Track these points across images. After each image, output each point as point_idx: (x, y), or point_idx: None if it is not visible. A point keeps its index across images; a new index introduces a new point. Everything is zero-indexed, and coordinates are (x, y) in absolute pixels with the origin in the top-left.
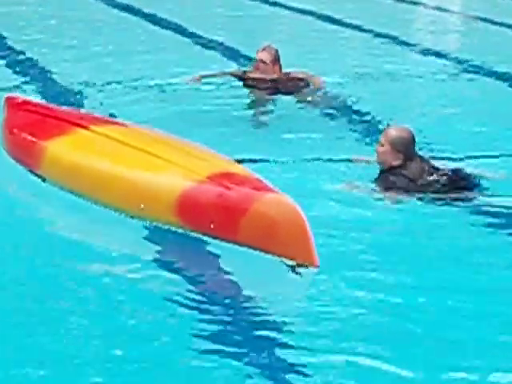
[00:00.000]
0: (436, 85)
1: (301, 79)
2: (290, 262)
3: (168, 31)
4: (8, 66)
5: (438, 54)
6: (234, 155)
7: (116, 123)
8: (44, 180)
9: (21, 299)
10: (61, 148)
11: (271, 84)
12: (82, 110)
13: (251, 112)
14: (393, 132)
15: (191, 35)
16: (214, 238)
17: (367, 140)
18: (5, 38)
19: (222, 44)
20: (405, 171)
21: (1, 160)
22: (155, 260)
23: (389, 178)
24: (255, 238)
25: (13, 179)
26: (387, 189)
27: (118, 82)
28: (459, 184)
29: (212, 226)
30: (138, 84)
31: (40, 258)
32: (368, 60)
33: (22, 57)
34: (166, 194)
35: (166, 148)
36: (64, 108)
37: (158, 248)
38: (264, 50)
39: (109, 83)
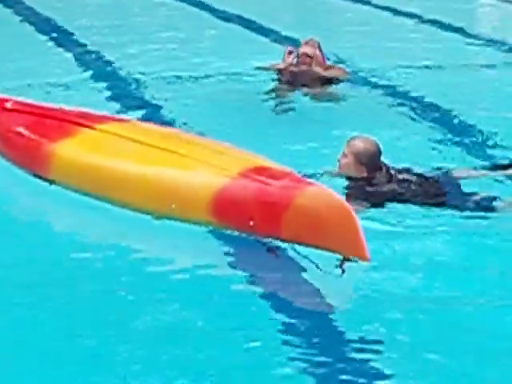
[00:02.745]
0: (503, 75)
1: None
2: (340, 256)
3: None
4: (74, 59)
5: (503, 44)
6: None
7: (118, 120)
8: (51, 183)
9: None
10: (72, 150)
11: (311, 78)
12: (69, 108)
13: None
14: (358, 144)
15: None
16: (254, 235)
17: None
18: (72, 33)
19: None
20: (371, 183)
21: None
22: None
23: (360, 191)
24: (300, 233)
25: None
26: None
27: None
28: (434, 190)
29: (251, 224)
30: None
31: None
32: (433, 51)
33: (86, 51)
34: (199, 192)
35: (188, 145)
36: (55, 106)
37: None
38: (307, 43)
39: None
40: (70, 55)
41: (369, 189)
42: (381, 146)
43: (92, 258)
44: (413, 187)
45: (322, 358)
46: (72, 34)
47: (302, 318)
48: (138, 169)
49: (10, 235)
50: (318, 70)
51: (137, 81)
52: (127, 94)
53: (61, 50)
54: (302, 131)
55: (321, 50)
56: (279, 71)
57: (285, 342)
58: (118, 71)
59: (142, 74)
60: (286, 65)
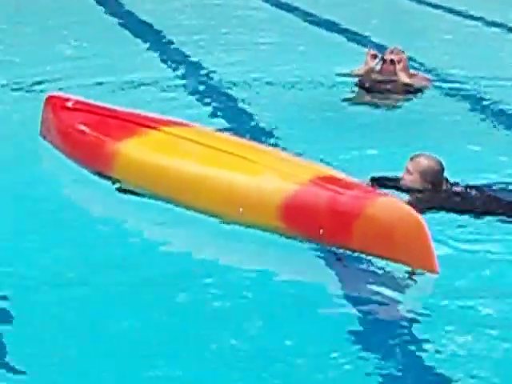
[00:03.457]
0: None
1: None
2: (409, 268)
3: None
4: (159, 59)
5: None
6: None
7: (180, 124)
8: (114, 182)
9: None
10: (138, 149)
11: (395, 87)
12: (133, 110)
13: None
14: (423, 161)
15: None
16: (322, 243)
17: None
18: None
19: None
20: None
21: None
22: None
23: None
24: (370, 243)
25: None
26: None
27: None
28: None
29: (321, 232)
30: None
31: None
32: None
33: (172, 51)
34: (269, 196)
35: (256, 152)
36: (117, 108)
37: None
38: (392, 51)
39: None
40: (155, 54)
41: (433, 203)
42: (443, 164)
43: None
44: (473, 200)
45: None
46: (160, 31)
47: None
48: (206, 171)
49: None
50: (402, 77)
51: (219, 83)
52: (208, 97)
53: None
54: (377, 140)
55: (406, 59)
56: (360, 77)
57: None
58: (202, 73)
59: (226, 76)
60: (366, 69)
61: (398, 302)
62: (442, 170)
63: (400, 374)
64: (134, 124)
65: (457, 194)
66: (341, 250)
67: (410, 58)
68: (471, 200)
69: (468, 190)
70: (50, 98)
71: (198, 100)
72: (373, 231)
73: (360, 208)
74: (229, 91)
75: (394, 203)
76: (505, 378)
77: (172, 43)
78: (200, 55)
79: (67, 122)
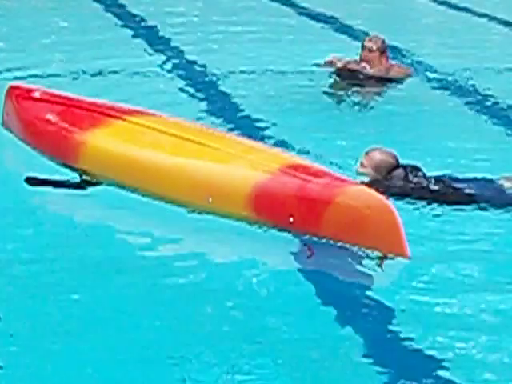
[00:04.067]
0: None
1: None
2: (379, 254)
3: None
4: (150, 50)
5: None
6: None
7: (146, 113)
8: (81, 174)
9: None
10: (104, 140)
11: (372, 76)
12: (98, 100)
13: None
14: (377, 156)
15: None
16: (292, 231)
17: None
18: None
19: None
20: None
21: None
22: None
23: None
24: (340, 231)
25: None
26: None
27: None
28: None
29: (291, 220)
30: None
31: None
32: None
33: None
34: (239, 186)
35: (223, 140)
36: (84, 98)
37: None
38: (370, 39)
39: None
40: (146, 46)
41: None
42: (398, 157)
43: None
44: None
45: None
46: (154, 26)
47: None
48: (174, 161)
49: None
50: (378, 69)
51: (210, 74)
52: (193, 88)
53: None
54: (353, 130)
55: (385, 48)
56: (338, 69)
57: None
58: (193, 65)
59: (217, 68)
60: (344, 63)
61: (371, 287)
62: (397, 163)
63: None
64: (99, 114)
65: (413, 183)
66: (310, 238)
67: (395, 48)
68: (429, 189)
69: (427, 179)
70: (13, 88)
71: (182, 91)
72: (344, 219)
73: (330, 196)
74: (214, 82)
75: (364, 191)
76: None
77: (159, 33)
78: (187, 46)
79: (31, 113)
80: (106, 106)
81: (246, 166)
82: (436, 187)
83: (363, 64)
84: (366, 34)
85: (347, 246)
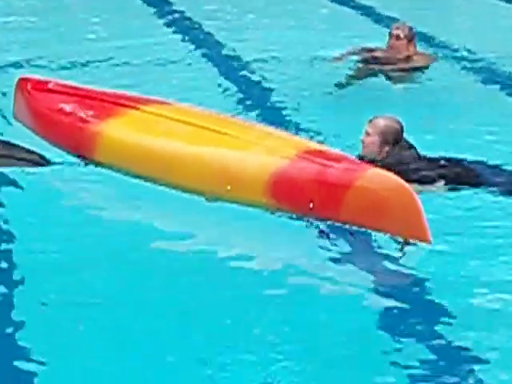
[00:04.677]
0: None
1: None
2: (400, 239)
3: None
4: (179, 42)
5: None
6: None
7: (159, 102)
8: (95, 164)
9: None
10: (120, 130)
11: (400, 64)
12: (111, 90)
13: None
14: (382, 122)
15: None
16: (311, 217)
17: None
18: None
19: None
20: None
21: None
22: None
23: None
24: (360, 215)
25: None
26: None
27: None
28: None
29: (311, 206)
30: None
31: None
32: None
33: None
34: (257, 172)
35: (239, 127)
36: (96, 89)
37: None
38: (398, 27)
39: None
40: (176, 33)
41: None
42: (403, 124)
43: None
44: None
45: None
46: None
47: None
48: (190, 149)
49: None
50: (404, 56)
51: (241, 61)
52: (222, 76)
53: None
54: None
55: (412, 36)
56: (365, 54)
57: None
58: (221, 51)
59: (245, 55)
60: (347, 52)
61: (395, 273)
62: (402, 129)
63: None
64: (113, 104)
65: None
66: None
67: (424, 34)
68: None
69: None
70: (23, 80)
71: (212, 80)
72: (364, 203)
73: (350, 180)
74: (244, 68)
75: (384, 174)
76: None
77: (188, 22)
78: (217, 35)
79: (45, 104)
80: (119, 95)
81: (264, 152)
82: (446, 163)
83: (389, 51)
84: (396, 20)
85: (367, 230)
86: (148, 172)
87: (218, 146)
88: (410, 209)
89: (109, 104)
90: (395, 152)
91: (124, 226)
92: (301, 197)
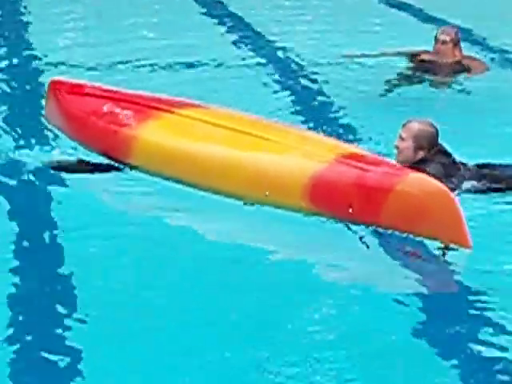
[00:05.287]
0: None
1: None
2: (441, 244)
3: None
4: (232, 43)
5: None
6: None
7: (195, 105)
8: (131, 168)
9: None
10: (156, 134)
11: (446, 68)
12: (144, 93)
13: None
14: (416, 126)
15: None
16: (351, 222)
17: None
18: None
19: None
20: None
21: None
22: None
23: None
24: (400, 220)
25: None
26: None
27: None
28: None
29: (351, 210)
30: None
31: None
32: None
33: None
34: (295, 177)
35: (276, 131)
36: (130, 92)
37: None
38: (444, 31)
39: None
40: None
41: (432, 171)
42: (437, 127)
43: None
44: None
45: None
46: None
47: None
48: (229, 154)
49: None
50: (451, 60)
51: (287, 64)
52: (272, 78)
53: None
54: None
55: (458, 39)
56: (411, 57)
57: None
58: (272, 53)
59: (288, 57)
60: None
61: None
62: (437, 133)
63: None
64: (150, 108)
65: (456, 165)
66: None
67: (477, 41)
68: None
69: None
70: (55, 83)
71: (264, 80)
72: (404, 207)
73: (391, 184)
74: (291, 71)
75: (425, 179)
76: None
77: (242, 22)
78: (272, 34)
79: (79, 107)
80: (155, 98)
81: (302, 156)
82: (482, 170)
83: (436, 55)
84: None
85: (408, 235)
86: (184, 176)
87: (255, 150)
88: (450, 214)
89: (144, 107)
90: (429, 157)
91: (165, 230)
92: (340, 201)
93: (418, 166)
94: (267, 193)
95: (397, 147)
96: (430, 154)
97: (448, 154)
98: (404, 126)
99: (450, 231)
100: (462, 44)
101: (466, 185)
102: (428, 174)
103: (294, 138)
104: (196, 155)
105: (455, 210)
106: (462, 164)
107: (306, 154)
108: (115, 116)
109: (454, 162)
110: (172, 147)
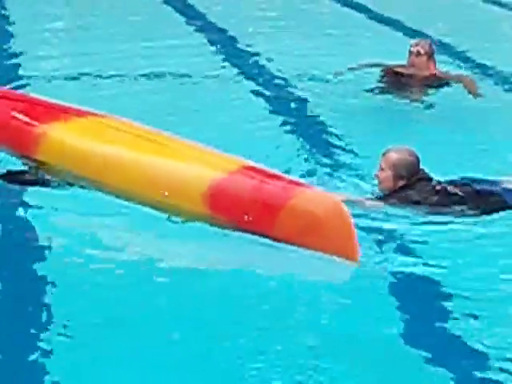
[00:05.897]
0: None
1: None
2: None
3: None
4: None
5: None
6: None
7: (107, 116)
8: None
9: None
10: (63, 133)
11: (420, 81)
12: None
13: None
14: (394, 155)
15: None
16: (247, 231)
17: None
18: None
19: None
20: (411, 191)
21: None
22: None
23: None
24: (293, 233)
25: None
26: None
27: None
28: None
29: (246, 218)
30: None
31: None
32: None
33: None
34: (195, 183)
35: (183, 144)
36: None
37: None
38: (418, 43)
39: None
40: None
41: (413, 197)
42: (418, 155)
43: None
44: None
45: None
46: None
47: None
48: (130, 154)
49: None
50: (424, 73)
51: (272, 77)
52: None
53: None
54: (398, 134)
55: (433, 52)
56: (384, 71)
57: None
58: (256, 63)
59: (279, 70)
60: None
61: None
62: (417, 160)
63: None
64: (59, 111)
65: (437, 191)
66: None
67: (468, 59)
68: (454, 197)
69: (451, 187)
70: None
71: (251, 92)
72: (297, 222)
73: (285, 199)
74: (281, 81)
75: (320, 194)
76: None
77: (226, 33)
78: (258, 45)
79: None
80: (65, 106)
81: (203, 164)
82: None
83: (410, 68)
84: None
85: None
86: (89, 175)
87: (158, 154)
88: (342, 228)
89: (55, 110)
90: (410, 184)
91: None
92: (237, 209)
93: (397, 194)
94: (166, 193)
95: (377, 177)
96: (410, 182)
97: (429, 179)
98: (383, 155)
99: (340, 246)
100: (444, 58)
101: (446, 209)
102: (407, 201)
103: (197, 150)
104: (98, 154)
105: (348, 225)
106: (445, 189)
107: (207, 163)
108: (27, 117)
109: (434, 187)
110: (77, 146)
